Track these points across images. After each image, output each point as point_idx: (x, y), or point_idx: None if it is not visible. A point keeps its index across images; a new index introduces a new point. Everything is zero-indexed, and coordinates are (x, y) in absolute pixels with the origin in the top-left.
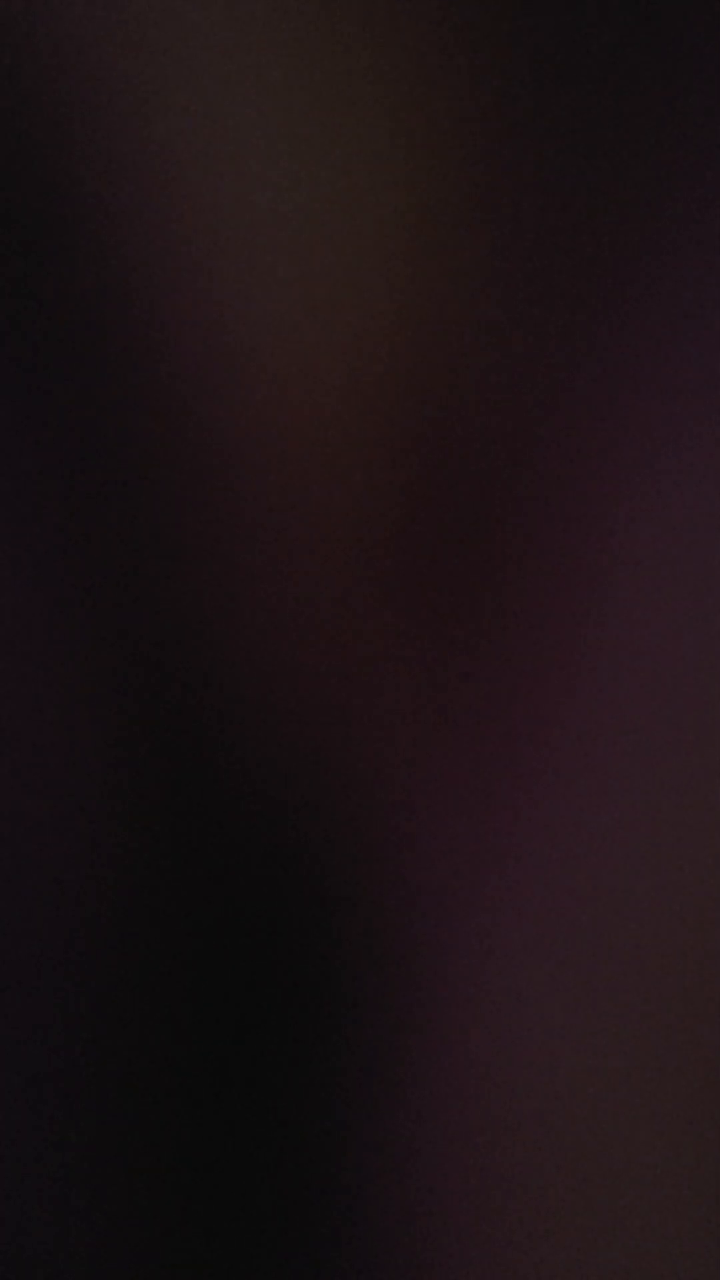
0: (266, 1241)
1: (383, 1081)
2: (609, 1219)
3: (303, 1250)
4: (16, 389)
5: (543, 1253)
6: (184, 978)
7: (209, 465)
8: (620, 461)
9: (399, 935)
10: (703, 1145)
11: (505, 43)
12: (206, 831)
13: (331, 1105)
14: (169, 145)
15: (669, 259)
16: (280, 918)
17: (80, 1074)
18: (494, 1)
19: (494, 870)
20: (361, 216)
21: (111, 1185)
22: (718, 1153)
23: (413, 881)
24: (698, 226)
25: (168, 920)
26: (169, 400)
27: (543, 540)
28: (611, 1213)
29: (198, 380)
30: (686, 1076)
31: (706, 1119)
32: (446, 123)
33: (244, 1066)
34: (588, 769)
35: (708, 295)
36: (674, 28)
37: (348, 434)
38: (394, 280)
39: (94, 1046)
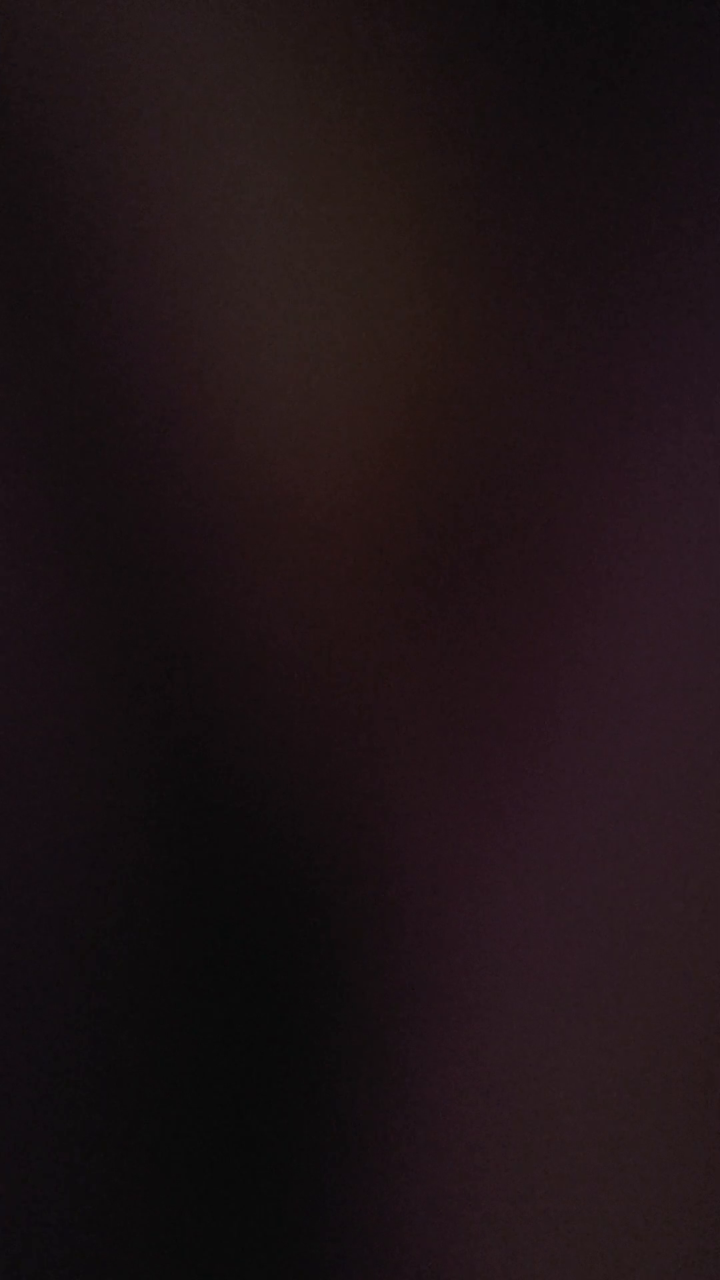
0: (267, 1233)
1: (383, 1076)
2: (611, 1212)
3: (303, 1244)
4: (25, 415)
5: (545, 1247)
6: (184, 975)
7: (214, 473)
8: (621, 473)
9: (398, 929)
10: (706, 1141)
11: (506, 84)
12: (207, 830)
13: (331, 1100)
14: (167, 174)
15: (669, 306)
16: (280, 913)
17: (81, 1070)
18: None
19: (493, 866)
20: (363, 227)
21: (112, 1175)
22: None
23: (412, 877)
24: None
25: (168, 916)
26: (172, 410)
27: (545, 546)
28: (613, 1206)
29: (199, 393)
30: (688, 1068)
31: (710, 1113)
32: (448, 139)
33: (243, 1062)
34: (588, 763)
35: (710, 330)
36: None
37: (348, 440)
38: (395, 286)
39: (95, 1042)
